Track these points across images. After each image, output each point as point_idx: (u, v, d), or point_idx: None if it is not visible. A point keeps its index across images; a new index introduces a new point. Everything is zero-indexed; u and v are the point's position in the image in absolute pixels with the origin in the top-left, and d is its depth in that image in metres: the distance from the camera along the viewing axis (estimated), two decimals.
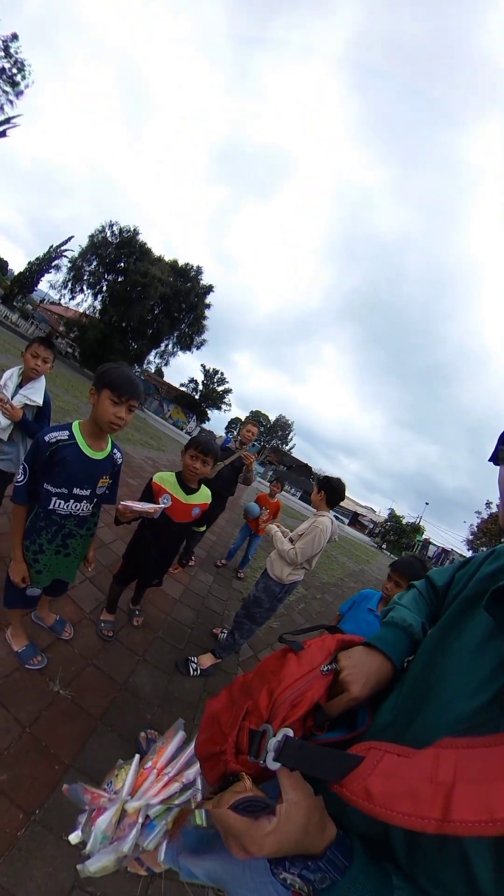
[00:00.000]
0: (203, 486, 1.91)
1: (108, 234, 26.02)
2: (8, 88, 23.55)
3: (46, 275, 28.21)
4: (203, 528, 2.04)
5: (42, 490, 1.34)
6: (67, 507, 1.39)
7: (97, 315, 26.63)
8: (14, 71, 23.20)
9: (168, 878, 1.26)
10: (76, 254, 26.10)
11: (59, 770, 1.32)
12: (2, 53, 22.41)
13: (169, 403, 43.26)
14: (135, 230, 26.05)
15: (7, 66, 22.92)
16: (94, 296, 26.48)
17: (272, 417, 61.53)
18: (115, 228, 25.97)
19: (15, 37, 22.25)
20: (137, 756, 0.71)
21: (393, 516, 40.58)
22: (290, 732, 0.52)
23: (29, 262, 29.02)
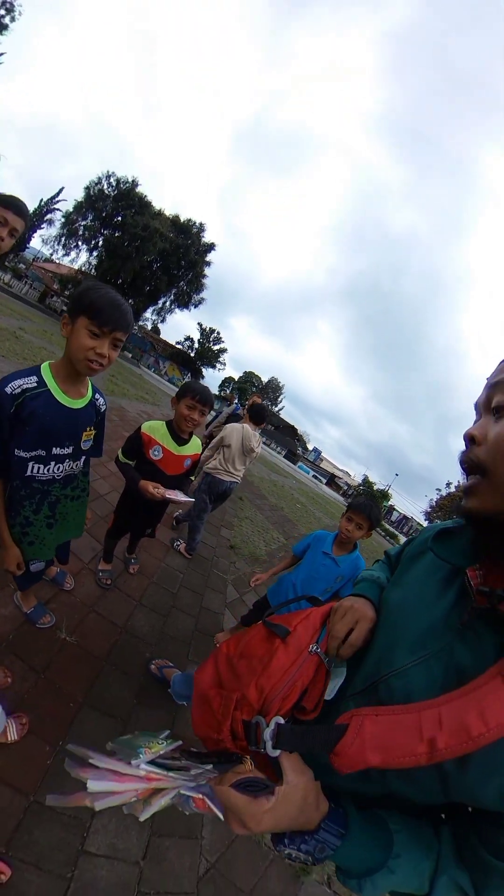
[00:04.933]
0: (194, 436, 1.73)
1: (105, 185, 22.97)
2: None
3: (38, 231, 25.12)
4: (193, 478, 1.92)
5: (13, 458, 1.01)
6: (48, 470, 1.08)
7: (93, 271, 24.08)
8: (2, 12, 19.70)
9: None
10: (70, 208, 23.22)
11: (75, 707, 1.39)
12: None
13: (165, 360, 41.81)
14: (133, 181, 22.98)
15: None
16: (90, 251, 23.86)
17: (264, 379, 60.53)
18: (112, 180, 22.85)
19: None
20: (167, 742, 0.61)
21: (366, 482, 41.84)
22: (281, 720, 0.52)
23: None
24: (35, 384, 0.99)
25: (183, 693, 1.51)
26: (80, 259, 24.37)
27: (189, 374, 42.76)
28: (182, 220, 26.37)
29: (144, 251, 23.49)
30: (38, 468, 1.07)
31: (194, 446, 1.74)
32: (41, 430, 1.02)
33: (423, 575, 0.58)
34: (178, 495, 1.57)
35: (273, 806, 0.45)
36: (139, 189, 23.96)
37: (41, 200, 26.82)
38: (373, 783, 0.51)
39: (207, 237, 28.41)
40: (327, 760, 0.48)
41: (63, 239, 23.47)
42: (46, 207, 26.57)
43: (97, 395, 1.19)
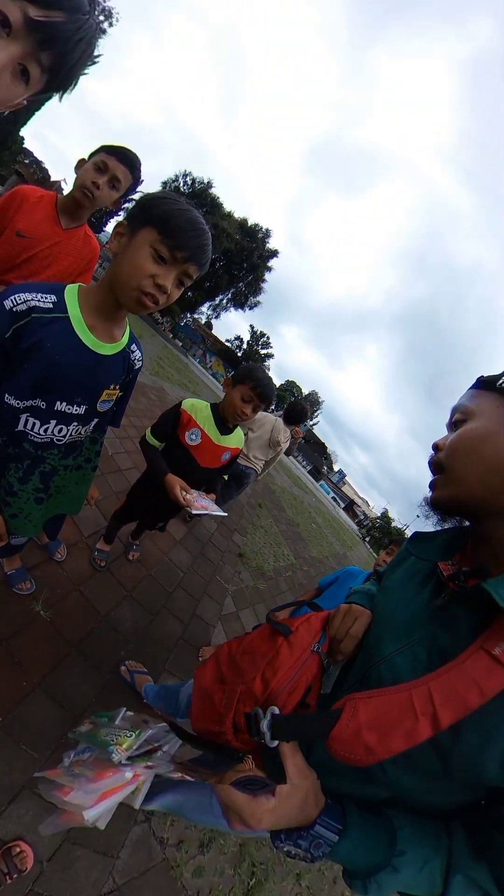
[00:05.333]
0: (238, 427, 1.47)
1: (181, 183, 24.20)
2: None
3: (114, 218, 27.39)
4: (226, 476, 1.62)
5: (1, 404, 0.77)
6: (46, 431, 0.82)
7: None
8: (101, 18, 21.11)
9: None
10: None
11: (28, 686, 1.25)
12: None
13: (212, 355, 42.58)
14: (209, 182, 24.12)
15: (95, 12, 21.58)
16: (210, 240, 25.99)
17: (305, 391, 60.12)
18: (188, 179, 24.14)
19: None
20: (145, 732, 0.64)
21: (385, 516, 40.21)
22: (276, 710, 0.52)
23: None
24: (51, 305, 0.72)
25: (157, 706, 1.32)
26: None
27: (231, 370, 43.23)
28: (249, 224, 27.03)
29: (211, 248, 24.68)
30: (34, 424, 0.80)
31: (237, 438, 1.48)
32: (45, 373, 0.74)
33: (406, 576, 0.64)
34: (209, 507, 1.27)
35: (274, 806, 0.46)
36: (213, 190, 24.86)
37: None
38: (376, 783, 0.51)
39: (272, 244, 28.82)
40: (331, 762, 0.48)
41: None
42: (124, 198, 28.57)
43: (133, 346, 0.90)
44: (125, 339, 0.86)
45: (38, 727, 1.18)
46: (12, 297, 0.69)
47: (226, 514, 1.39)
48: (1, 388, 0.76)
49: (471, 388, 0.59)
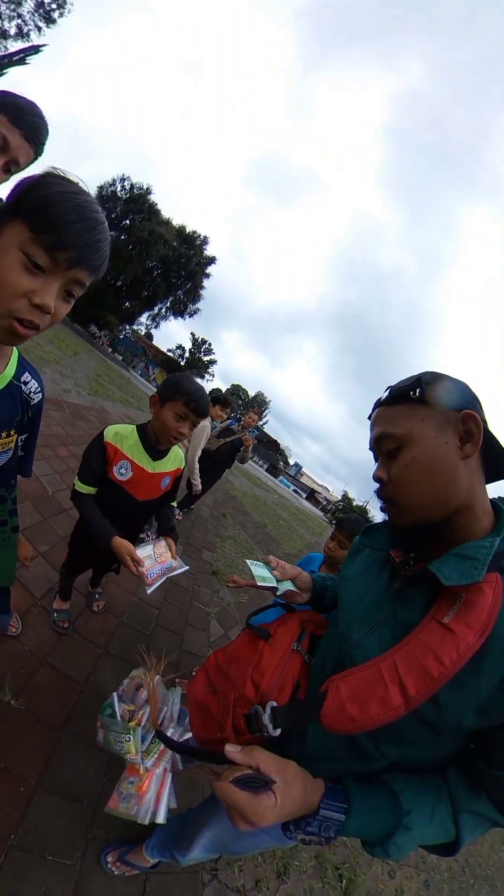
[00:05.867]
0: (174, 447, 1.27)
1: (119, 188, 23.22)
2: (42, 24, 20.01)
3: None
4: (175, 504, 1.43)
5: None
6: None
7: None
8: (53, 6, 19.67)
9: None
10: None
11: (27, 791, 1.07)
12: None
13: (155, 367, 41.37)
14: (147, 189, 23.40)
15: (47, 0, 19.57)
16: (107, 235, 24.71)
17: (251, 393, 60.69)
18: (126, 184, 23.17)
19: None
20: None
21: (346, 498, 42.14)
22: (275, 703, 0.55)
23: None
24: None
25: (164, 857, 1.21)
26: None
27: None
28: (187, 231, 26.63)
29: (147, 256, 23.74)
30: None
31: (175, 459, 1.28)
32: None
33: (363, 567, 0.68)
34: (168, 568, 1.13)
35: (277, 803, 0.46)
36: (151, 197, 24.21)
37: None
38: (372, 760, 0.54)
39: (210, 251, 28.76)
40: (327, 747, 0.57)
41: None
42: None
43: (25, 375, 0.72)
44: (10, 369, 0.67)
45: (56, 831, 1.04)
46: None
47: (187, 567, 1.23)
48: None
49: (383, 403, 0.58)
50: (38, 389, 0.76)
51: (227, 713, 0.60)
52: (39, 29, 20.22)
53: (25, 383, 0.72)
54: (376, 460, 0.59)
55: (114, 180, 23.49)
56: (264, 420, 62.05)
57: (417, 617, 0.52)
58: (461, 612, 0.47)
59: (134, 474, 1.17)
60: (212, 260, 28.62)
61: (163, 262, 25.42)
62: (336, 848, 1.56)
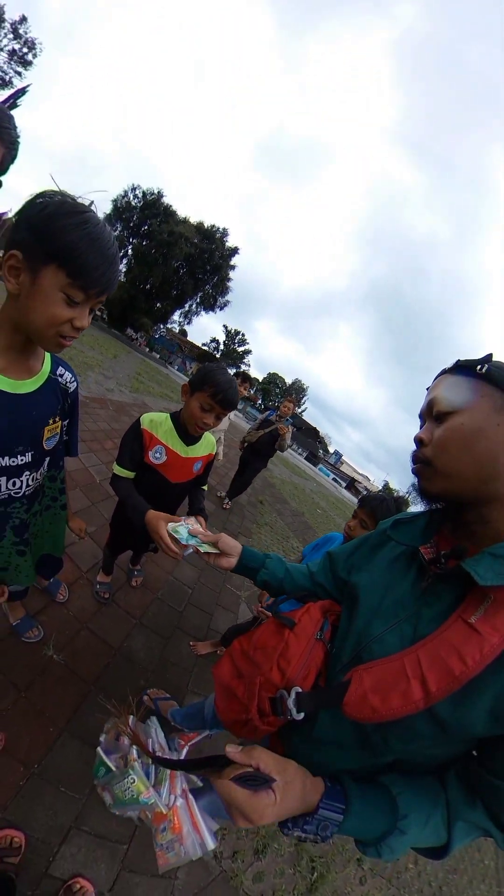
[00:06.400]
0: (206, 433, 1.31)
1: (132, 197, 23.72)
2: (20, 69, 21.50)
3: None
4: (206, 487, 1.50)
5: None
6: (2, 488, 0.78)
7: (122, 278, 25.44)
8: (25, 50, 21.18)
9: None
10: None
11: (55, 732, 1.25)
12: (11, 36, 20.85)
13: (191, 361, 42.26)
14: (159, 192, 23.65)
15: (17, 47, 21.05)
16: (120, 259, 25.49)
17: (288, 381, 59.97)
18: (138, 192, 23.60)
19: (24, 19, 20.69)
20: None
21: (387, 488, 40.57)
22: (300, 689, 0.59)
23: None
24: None
25: (186, 726, 1.32)
26: None
27: None
28: (206, 226, 26.53)
29: (171, 256, 24.15)
30: None
31: (207, 445, 1.34)
32: None
33: (387, 561, 0.67)
34: (196, 541, 1.17)
35: (276, 801, 0.46)
36: (164, 199, 24.45)
37: None
38: (378, 752, 0.54)
39: (231, 242, 28.53)
40: (335, 735, 0.57)
41: None
42: None
43: (61, 370, 0.82)
44: (47, 366, 0.77)
45: (72, 769, 1.20)
46: None
47: (217, 551, 1.29)
48: None
49: (447, 372, 0.57)
50: (73, 379, 0.87)
51: (253, 696, 0.63)
52: (20, 73, 21.50)
53: (61, 376, 0.83)
54: (422, 426, 0.59)
55: (125, 192, 24.01)
56: (302, 407, 61.12)
57: (444, 615, 0.51)
58: (489, 612, 0.47)
59: (168, 458, 1.25)
60: (234, 251, 28.32)
61: (187, 260, 25.58)
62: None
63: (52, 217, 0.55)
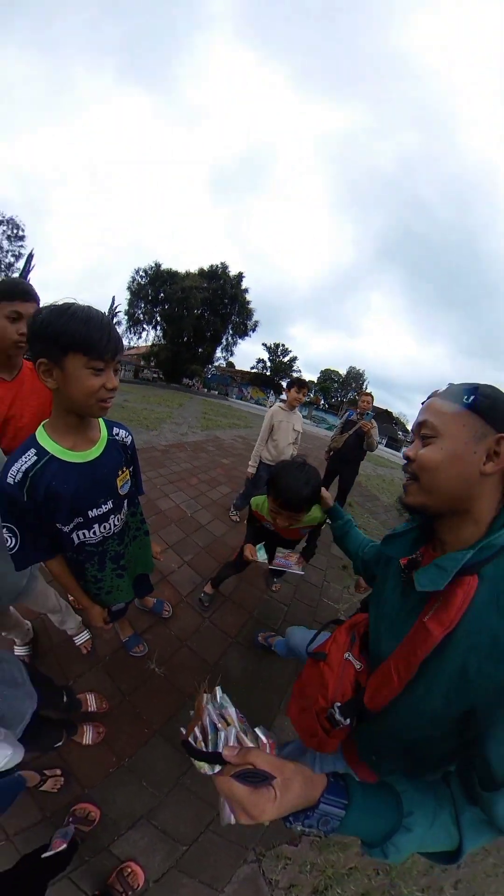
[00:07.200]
0: (314, 507, 1.34)
1: (138, 278, 27.48)
2: (19, 244, 27.57)
3: None
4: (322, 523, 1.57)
5: (56, 532, 0.91)
6: (95, 533, 0.96)
7: (162, 341, 28.95)
8: (11, 235, 27.21)
9: None
10: (125, 306, 29.03)
11: (149, 733, 1.42)
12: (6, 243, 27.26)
13: (247, 386, 43.87)
14: (157, 264, 27.39)
15: (5, 230, 27.22)
16: (154, 327, 29.04)
17: (342, 372, 57.79)
18: (141, 272, 27.48)
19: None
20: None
21: None
22: (339, 704, 0.77)
23: None
24: (35, 457, 0.81)
25: (289, 656, 1.56)
26: (149, 337, 29.58)
27: (271, 391, 43.84)
28: (207, 269, 29.07)
29: (191, 307, 27.04)
30: (84, 534, 0.95)
31: (310, 516, 1.36)
32: (68, 502, 0.86)
33: (392, 579, 0.74)
34: (290, 565, 1.44)
35: (276, 797, 0.47)
36: (163, 267, 27.65)
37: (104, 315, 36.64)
38: (406, 728, 0.64)
39: (233, 270, 30.26)
40: (385, 722, 0.69)
41: (132, 329, 28.99)
42: (111, 315, 34.77)
43: (115, 430, 0.99)
44: (104, 431, 0.94)
45: (157, 768, 1.33)
46: (9, 473, 0.79)
47: (303, 572, 1.51)
48: (49, 524, 0.89)
49: (437, 395, 0.63)
50: (127, 434, 1.04)
51: (315, 721, 0.80)
52: (21, 246, 27.12)
53: (116, 434, 0.99)
54: (410, 441, 0.67)
55: (133, 277, 27.69)
56: (366, 391, 57.78)
57: (414, 618, 0.61)
58: (438, 611, 0.55)
59: (276, 528, 1.45)
60: (240, 276, 30.08)
61: (205, 304, 28.38)
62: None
63: (49, 323, 0.70)
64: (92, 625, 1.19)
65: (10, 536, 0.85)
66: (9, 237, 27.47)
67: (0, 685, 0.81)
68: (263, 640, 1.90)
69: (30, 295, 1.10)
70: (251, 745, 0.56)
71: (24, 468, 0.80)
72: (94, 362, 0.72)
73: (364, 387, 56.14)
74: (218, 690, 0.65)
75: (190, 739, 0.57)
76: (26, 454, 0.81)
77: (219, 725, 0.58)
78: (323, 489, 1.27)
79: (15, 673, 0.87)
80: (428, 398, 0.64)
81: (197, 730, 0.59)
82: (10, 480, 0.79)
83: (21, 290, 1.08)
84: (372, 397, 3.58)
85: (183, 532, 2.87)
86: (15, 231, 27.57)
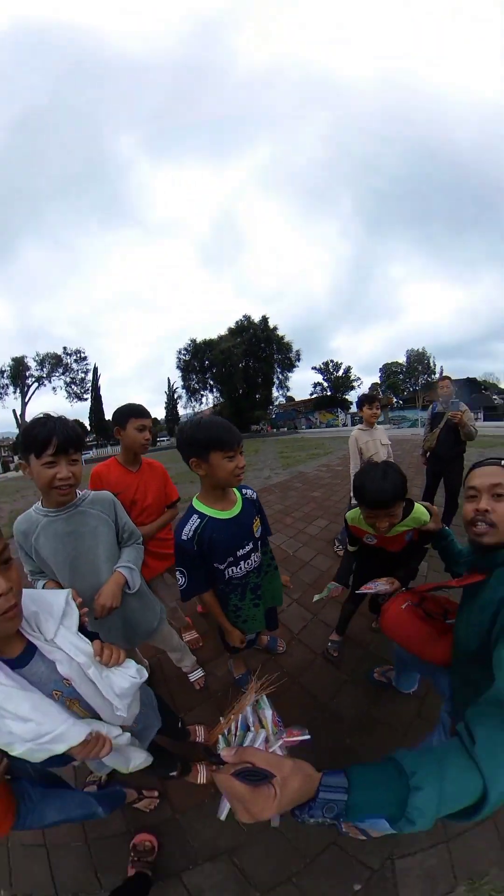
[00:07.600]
0: (417, 505, 1.39)
1: (182, 356, 32.82)
2: (84, 363, 38.52)
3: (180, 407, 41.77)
4: (428, 546, 1.50)
5: (213, 571, 1.22)
6: (241, 568, 1.24)
7: (221, 399, 32.14)
8: (84, 364, 38.21)
9: None
10: (180, 382, 34.48)
11: None
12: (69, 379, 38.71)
13: (312, 413, 43.66)
14: (192, 340, 32.69)
15: (72, 363, 38.43)
16: (210, 390, 33.69)
17: (401, 360, 53.88)
18: (182, 351, 32.88)
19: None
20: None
21: None
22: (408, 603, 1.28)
23: (165, 408, 46.68)
24: (199, 520, 1.15)
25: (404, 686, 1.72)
26: (209, 401, 34.15)
27: (339, 410, 42.77)
28: (234, 326, 32.85)
29: (234, 363, 29.73)
30: (232, 570, 1.23)
31: (413, 518, 1.38)
32: (223, 548, 1.18)
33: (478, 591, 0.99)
34: (375, 585, 1.43)
35: (276, 795, 0.47)
36: (199, 340, 32.54)
37: (169, 399, 44.75)
38: (470, 660, 0.89)
39: (255, 316, 33.41)
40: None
41: (192, 398, 34.12)
42: (171, 392, 45.48)
43: (244, 490, 1.32)
44: (237, 494, 1.27)
45: None
46: (183, 533, 1.14)
47: (388, 588, 1.41)
48: (210, 564, 1.20)
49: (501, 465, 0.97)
50: (252, 492, 1.35)
51: (415, 617, 1.24)
52: (86, 370, 38.40)
53: (246, 493, 1.31)
54: (474, 497, 0.97)
55: (178, 357, 33.50)
56: (437, 371, 52.25)
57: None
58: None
59: (377, 540, 1.52)
60: (265, 320, 32.81)
61: (246, 355, 31.48)
62: None
63: (192, 434, 1.07)
64: (231, 643, 1.38)
65: (180, 576, 1.19)
66: (76, 360, 38.36)
67: (143, 707, 0.97)
68: (380, 675, 1.80)
69: (147, 413, 1.61)
70: (280, 753, 0.58)
71: (193, 528, 1.14)
72: (228, 452, 1.06)
73: (431, 364, 51.08)
74: (263, 696, 0.70)
75: (220, 736, 0.63)
76: (192, 518, 1.16)
77: (252, 727, 0.62)
78: (429, 504, 1.40)
79: (151, 698, 1.15)
80: (493, 465, 0.97)
81: (233, 724, 0.62)
82: (184, 537, 1.14)
83: (142, 411, 1.59)
84: (450, 379, 3.27)
85: (288, 571, 2.92)
86: (79, 354, 38.52)
